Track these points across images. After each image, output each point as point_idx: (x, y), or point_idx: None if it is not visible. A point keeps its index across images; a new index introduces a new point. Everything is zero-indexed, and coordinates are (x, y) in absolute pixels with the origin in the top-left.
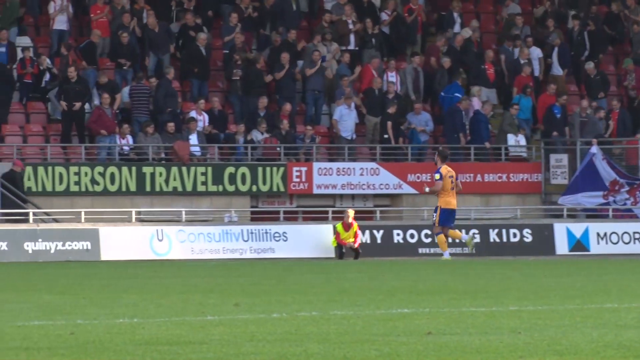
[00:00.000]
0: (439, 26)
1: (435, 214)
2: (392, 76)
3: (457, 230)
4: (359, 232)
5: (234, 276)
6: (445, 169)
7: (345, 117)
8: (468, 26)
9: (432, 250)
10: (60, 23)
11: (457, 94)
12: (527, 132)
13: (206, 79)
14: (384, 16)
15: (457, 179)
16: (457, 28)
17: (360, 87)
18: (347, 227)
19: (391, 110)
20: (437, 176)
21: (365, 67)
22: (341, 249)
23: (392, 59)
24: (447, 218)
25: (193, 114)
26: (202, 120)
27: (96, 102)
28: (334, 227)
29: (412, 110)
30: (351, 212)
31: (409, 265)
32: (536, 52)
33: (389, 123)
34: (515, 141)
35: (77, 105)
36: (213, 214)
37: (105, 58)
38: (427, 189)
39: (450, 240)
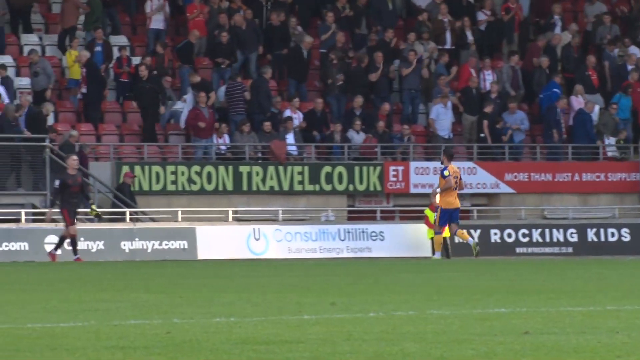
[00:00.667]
0: (538, 28)
1: (435, 214)
2: (489, 75)
3: (465, 232)
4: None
5: (331, 275)
6: (451, 168)
7: (442, 116)
8: (568, 29)
9: (530, 250)
10: (157, 22)
11: (555, 90)
12: (627, 132)
13: (305, 80)
14: (481, 15)
15: (460, 178)
16: (557, 30)
17: (458, 86)
18: (435, 209)
19: (488, 109)
20: (445, 173)
21: (463, 66)
22: (446, 244)
23: (488, 58)
24: (447, 218)
25: (287, 112)
26: (297, 118)
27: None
28: (424, 214)
29: (508, 110)
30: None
31: (506, 264)
32: (635, 52)
33: (485, 122)
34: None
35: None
36: (310, 213)
37: (202, 57)
38: (437, 190)
39: (458, 240)
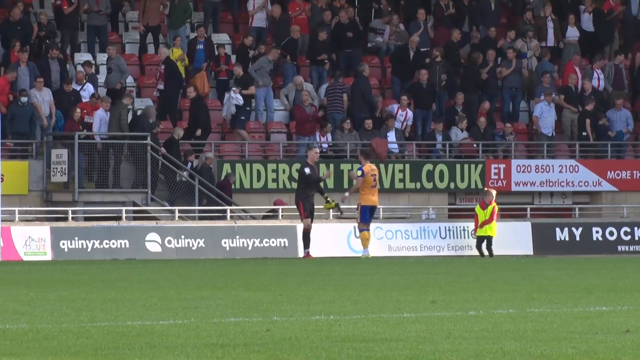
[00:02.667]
0: None
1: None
2: (593, 73)
3: (369, 239)
4: (496, 213)
5: (431, 273)
6: (368, 167)
7: (546, 114)
8: None
9: (632, 248)
10: (259, 20)
11: None
12: None
13: (410, 78)
14: (585, 15)
15: (379, 177)
16: None
17: (561, 83)
18: (484, 206)
19: (589, 106)
20: (358, 173)
21: (567, 63)
22: (480, 244)
23: (591, 56)
24: (370, 215)
25: (394, 108)
26: (404, 115)
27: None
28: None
29: (613, 107)
30: (493, 192)
31: (608, 262)
32: None
33: (588, 120)
34: None
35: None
36: (411, 210)
37: (303, 55)
38: (347, 193)
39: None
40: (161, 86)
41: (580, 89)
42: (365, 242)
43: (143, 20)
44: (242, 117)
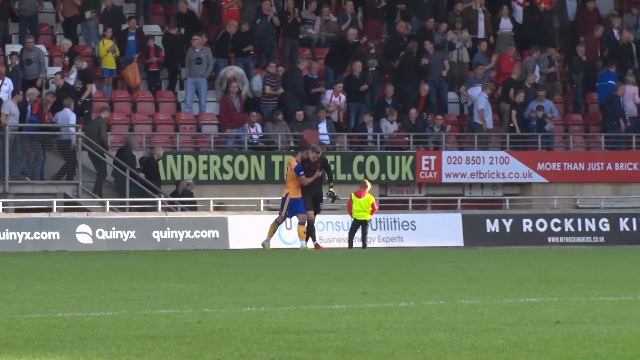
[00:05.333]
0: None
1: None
2: (535, 65)
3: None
4: (376, 206)
5: (362, 265)
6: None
7: (487, 106)
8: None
9: (562, 239)
10: (190, 11)
11: (610, 81)
12: None
13: (344, 70)
14: (516, 6)
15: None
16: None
17: (496, 75)
18: (359, 195)
19: (518, 98)
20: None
21: (502, 55)
22: (354, 231)
23: (525, 48)
24: (300, 206)
25: (328, 94)
26: (339, 100)
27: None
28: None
29: (535, 98)
30: (369, 184)
31: (538, 254)
32: None
33: (514, 112)
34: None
35: None
36: (341, 202)
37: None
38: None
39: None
40: (69, 80)
41: (512, 80)
42: (302, 235)
43: (63, 12)
44: None
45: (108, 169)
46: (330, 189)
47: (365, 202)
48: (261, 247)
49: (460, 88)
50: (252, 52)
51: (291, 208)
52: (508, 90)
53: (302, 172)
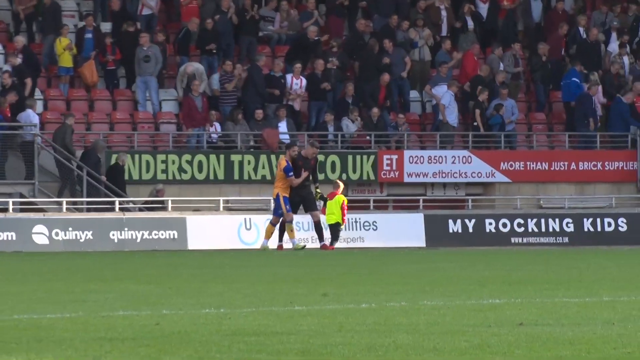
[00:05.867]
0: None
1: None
2: (499, 63)
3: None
4: (345, 209)
5: (323, 266)
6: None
7: (452, 104)
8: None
9: (525, 240)
10: (148, 9)
11: (574, 79)
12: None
13: (305, 67)
14: (480, 3)
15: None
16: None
17: (459, 73)
18: (331, 195)
19: (482, 97)
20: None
21: (466, 53)
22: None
23: (488, 46)
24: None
25: (288, 78)
26: (299, 84)
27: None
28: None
29: (498, 96)
30: (341, 184)
31: (501, 254)
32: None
33: (478, 110)
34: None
35: None
36: None
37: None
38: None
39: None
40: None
41: (477, 79)
42: (291, 233)
43: (17, 7)
44: None
45: (74, 175)
46: (317, 190)
47: (334, 204)
48: (294, 248)
49: (425, 87)
50: (214, 51)
51: (287, 202)
52: (476, 88)
53: (291, 173)
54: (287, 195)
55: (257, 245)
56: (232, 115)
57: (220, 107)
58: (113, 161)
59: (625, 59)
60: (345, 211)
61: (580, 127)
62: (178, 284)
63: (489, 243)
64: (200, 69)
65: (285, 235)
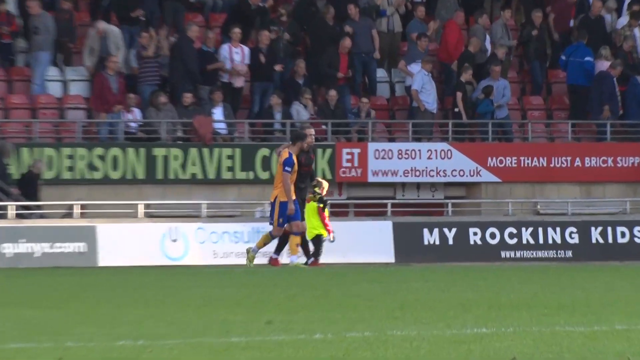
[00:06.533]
0: None
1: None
2: (485, 35)
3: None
4: (327, 218)
5: (267, 286)
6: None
7: (427, 86)
8: None
9: (519, 254)
10: None
11: (588, 58)
12: None
13: (247, 40)
14: None
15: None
16: None
17: (437, 47)
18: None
19: (465, 77)
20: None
21: (448, 22)
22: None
23: (471, 14)
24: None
25: (224, 48)
26: (240, 55)
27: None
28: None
29: (489, 76)
30: (325, 184)
31: (489, 272)
32: None
33: (459, 93)
34: None
35: None
36: (241, 207)
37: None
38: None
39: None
40: None
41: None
42: (295, 249)
43: None
44: None
45: None
46: (317, 190)
47: (310, 212)
48: (245, 254)
49: (399, 64)
50: (143, 18)
51: (283, 213)
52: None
53: (289, 168)
54: (286, 201)
55: (185, 261)
56: (155, 98)
57: (140, 89)
58: (25, 169)
59: (637, 32)
60: (327, 219)
61: (596, 116)
62: (86, 310)
63: (473, 258)
64: (117, 32)
65: (286, 247)
